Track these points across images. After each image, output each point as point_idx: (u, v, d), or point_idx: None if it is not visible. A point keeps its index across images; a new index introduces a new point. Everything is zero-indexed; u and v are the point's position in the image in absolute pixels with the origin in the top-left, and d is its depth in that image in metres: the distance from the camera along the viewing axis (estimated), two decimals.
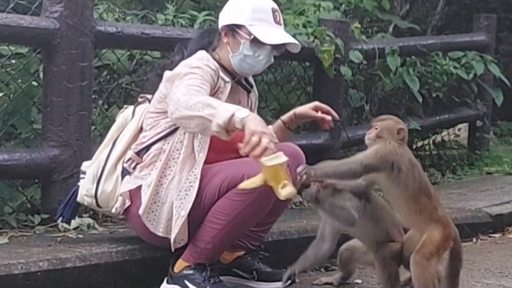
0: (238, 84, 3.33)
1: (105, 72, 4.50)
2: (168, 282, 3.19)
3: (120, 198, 3.25)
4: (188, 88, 2.99)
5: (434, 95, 6.07)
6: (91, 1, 3.80)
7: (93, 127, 4.00)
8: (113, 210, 3.28)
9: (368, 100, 5.59)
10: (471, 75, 6.22)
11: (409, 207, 3.05)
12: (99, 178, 3.29)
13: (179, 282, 3.15)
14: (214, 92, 3.15)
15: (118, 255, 3.24)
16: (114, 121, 3.46)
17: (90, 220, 3.67)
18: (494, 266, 4.01)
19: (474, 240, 4.63)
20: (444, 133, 6.92)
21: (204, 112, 2.86)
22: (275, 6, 3.28)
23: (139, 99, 3.41)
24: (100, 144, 3.43)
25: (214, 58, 3.24)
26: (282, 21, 3.28)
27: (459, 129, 7.08)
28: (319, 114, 3.36)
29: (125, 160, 3.26)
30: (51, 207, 3.68)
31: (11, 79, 3.98)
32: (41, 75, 3.91)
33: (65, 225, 3.58)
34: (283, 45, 3.26)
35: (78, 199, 3.37)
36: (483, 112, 6.77)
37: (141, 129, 3.29)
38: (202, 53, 3.25)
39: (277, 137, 3.39)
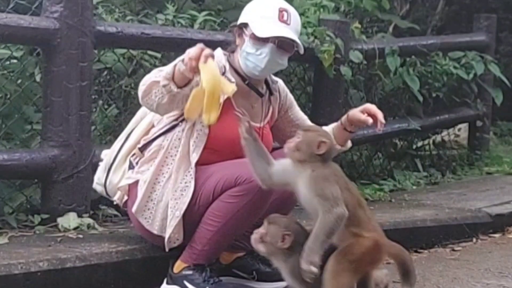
0: (251, 88, 3.28)
1: (105, 72, 4.49)
2: (167, 283, 3.19)
3: (118, 192, 3.28)
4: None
5: (434, 95, 6.08)
6: (91, 1, 3.80)
7: (93, 127, 4.00)
8: (115, 203, 3.34)
9: (368, 100, 5.57)
10: (471, 75, 6.21)
11: (348, 222, 2.73)
12: (109, 168, 3.32)
13: (179, 283, 3.14)
14: None
15: (118, 255, 3.24)
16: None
17: (90, 220, 3.67)
18: (494, 266, 4.01)
19: (474, 240, 4.63)
20: (444, 133, 6.92)
21: (154, 77, 2.94)
22: (285, 6, 3.22)
23: None
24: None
25: (228, 60, 3.24)
26: (292, 21, 3.19)
27: (459, 129, 7.07)
28: (363, 116, 3.22)
29: (132, 154, 3.28)
30: (51, 207, 3.69)
31: (8, 81, 3.97)
32: (37, 77, 3.91)
33: (65, 225, 3.58)
34: (294, 47, 3.20)
35: (93, 186, 3.42)
36: (483, 112, 6.76)
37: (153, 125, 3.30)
38: (217, 51, 3.22)
39: (335, 137, 3.28)
